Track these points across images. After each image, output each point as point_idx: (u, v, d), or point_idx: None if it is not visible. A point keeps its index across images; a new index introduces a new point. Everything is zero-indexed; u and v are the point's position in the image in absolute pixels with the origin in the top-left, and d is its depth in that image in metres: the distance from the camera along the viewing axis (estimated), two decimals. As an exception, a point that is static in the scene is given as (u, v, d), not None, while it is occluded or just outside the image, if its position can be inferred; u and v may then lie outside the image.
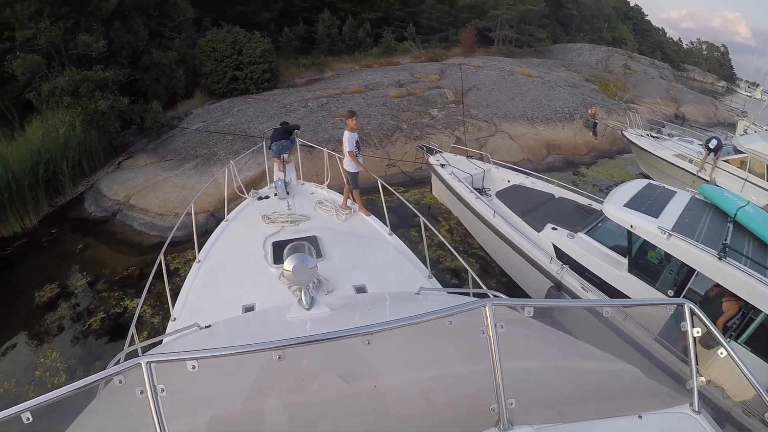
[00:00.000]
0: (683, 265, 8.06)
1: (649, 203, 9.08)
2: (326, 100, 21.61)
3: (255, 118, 19.37)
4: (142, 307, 5.45)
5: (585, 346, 3.14)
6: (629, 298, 8.60)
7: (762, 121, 23.89)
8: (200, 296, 5.82)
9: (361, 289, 5.27)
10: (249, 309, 4.94)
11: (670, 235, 7.98)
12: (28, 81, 16.86)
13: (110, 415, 2.62)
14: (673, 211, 8.85)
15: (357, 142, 8.70)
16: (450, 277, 10.86)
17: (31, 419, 1.88)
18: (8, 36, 17.69)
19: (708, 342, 2.78)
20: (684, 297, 7.85)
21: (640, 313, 7.40)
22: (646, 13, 75.29)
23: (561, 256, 9.52)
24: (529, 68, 29.74)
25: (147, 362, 2.04)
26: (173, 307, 5.69)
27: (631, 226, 8.49)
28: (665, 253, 8.32)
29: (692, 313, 2.64)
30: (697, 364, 2.72)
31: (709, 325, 2.64)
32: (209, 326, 4.17)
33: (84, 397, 2.34)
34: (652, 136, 19.57)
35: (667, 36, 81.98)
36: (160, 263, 5.76)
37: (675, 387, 2.88)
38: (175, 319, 5.45)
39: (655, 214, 8.64)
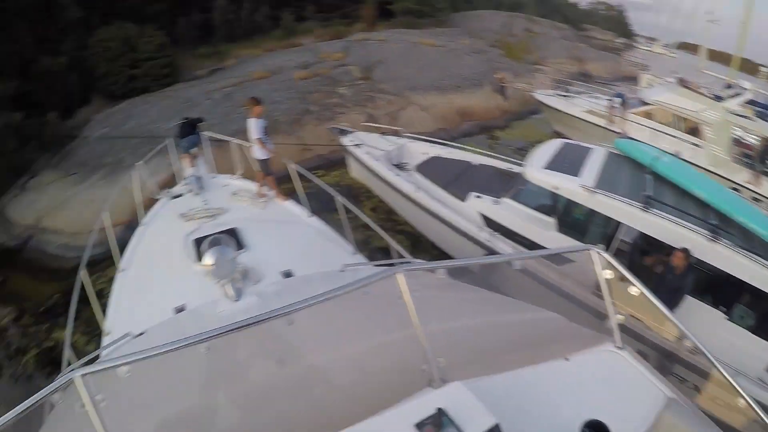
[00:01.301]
0: (609, 218, 8.29)
1: (569, 162, 9.28)
2: (230, 90, 21.12)
3: (159, 117, 18.68)
4: (73, 335, 5.26)
5: (509, 299, 3.30)
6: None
7: (663, 74, 25.58)
8: (129, 305, 5.65)
9: (288, 274, 5.25)
10: (180, 310, 4.84)
11: (593, 192, 8.27)
12: None
13: None
14: (593, 168, 9.11)
15: (265, 128, 8.59)
16: (381, 256, 10.27)
17: None
18: None
19: (621, 282, 3.00)
20: (615, 248, 8.30)
21: (566, 263, 7.77)
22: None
23: (490, 223, 9.57)
24: (432, 38, 29.87)
25: (80, 375, 2.10)
26: (105, 321, 5.52)
27: (555, 188, 8.68)
28: (589, 209, 8.55)
29: (601, 256, 2.90)
30: (613, 303, 2.96)
31: (618, 266, 2.89)
32: (142, 333, 4.15)
33: (30, 426, 2.39)
34: (560, 95, 20.48)
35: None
36: (81, 284, 5.66)
37: (597, 327, 3.14)
38: (108, 333, 5.28)
39: (576, 172, 8.86)
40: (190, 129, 9.77)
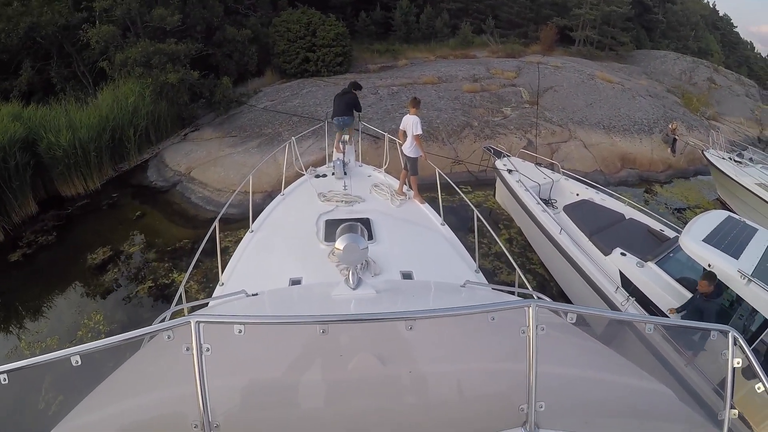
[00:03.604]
0: (757, 313, 7.35)
1: (729, 240, 8.37)
2: (397, 89, 21.16)
3: (323, 101, 19.05)
4: (187, 282, 5.41)
5: (622, 360, 3.10)
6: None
7: None
8: (249, 265, 5.98)
9: (407, 276, 5.28)
10: (296, 282, 5.03)
11: (749, 280, 7.32)
12: (103, 49, 17.23)
13: (154, 366, 2.75)
14: (755, 252, 8.16)
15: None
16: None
17: (79, 362, 2.02)
18: (86, 5, 18.15)
19: (745, 374, 2.67)
20: (755, 348, 7.30)
21: (692, 343, 6.93)
22: (735, 25, 68.80)
23: (626, 284, 8.87)
24: (609, 73, 28.24)
25: (196, 321, 2.13)
26: (222, 272, 5.83)
27: (709, 265, 7.77)
28: (737, 296, 7.69)
29: (736, 342, 2.60)
30: (732, 395, 2.66)
31: (751, 356, 2.58)
32: (256, 294, 4.27)
33: (129, 347, 2.53)
34: (734, 160, 17.81)
35: (756, 51, 75.59)
36: (214, 229, 5.88)
37: (705, 416, 2.86)
38: (222, 284, 5.59)
39: (736, 254, 7.96)
40: (346, 109, 9.75)
